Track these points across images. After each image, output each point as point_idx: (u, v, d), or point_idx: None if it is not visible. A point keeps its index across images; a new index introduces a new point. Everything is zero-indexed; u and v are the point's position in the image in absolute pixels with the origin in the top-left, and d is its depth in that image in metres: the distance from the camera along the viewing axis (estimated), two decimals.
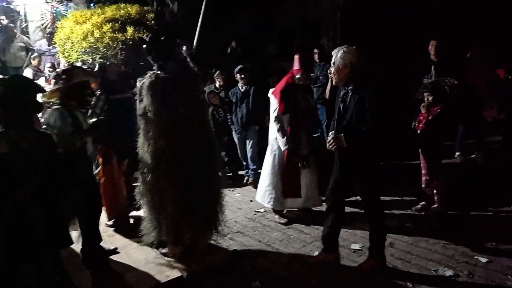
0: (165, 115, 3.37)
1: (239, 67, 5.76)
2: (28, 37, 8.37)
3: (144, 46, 3.66)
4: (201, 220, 3.54)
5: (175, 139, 3.40)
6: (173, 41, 3.62)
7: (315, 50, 6.42)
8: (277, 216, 4.54)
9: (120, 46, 6.74)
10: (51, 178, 2.77)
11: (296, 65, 4.47)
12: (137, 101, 3.50)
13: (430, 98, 4.34)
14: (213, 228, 3.68)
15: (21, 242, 2.60)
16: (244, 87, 5.74)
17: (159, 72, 3.45)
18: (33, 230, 2.66)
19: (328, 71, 4.96)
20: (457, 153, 6.16)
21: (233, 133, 5.91)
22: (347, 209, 3.78)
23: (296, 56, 4.51)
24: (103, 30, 6.75)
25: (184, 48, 4.12)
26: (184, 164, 3.43)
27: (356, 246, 3.79)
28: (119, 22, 6.94)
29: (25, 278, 2.65)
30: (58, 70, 7.21)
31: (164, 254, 3.64)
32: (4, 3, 7.84)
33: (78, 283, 3.19)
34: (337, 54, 3.30)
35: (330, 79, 5.08)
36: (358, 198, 3.56)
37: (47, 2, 8.04)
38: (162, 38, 3.55)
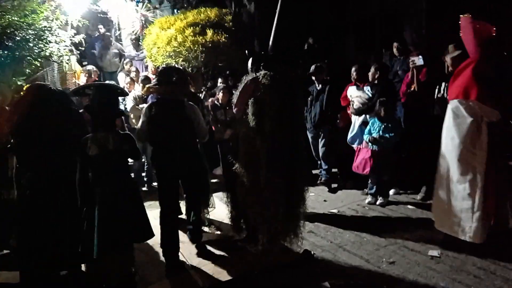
0: (283, 110, 3.53)
1: (313, 67, 5.72)
2: (121, 44, 9.18)
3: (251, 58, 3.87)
4: (285, 220, 3.63)
5: (285, 135, 3.54)
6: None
7: (395, 44, 6.13)
8: None
9: (201, 48, 7.11)
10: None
11: None
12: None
13: None
14: (293, 229, 3.73)
15: (111, 235, 2.91)
16: (319, 86, 5.69)
17: (271, 72, 3.60)
18: (120, 223, 2.97)
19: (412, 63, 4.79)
20: None
21: (307, 131, 5.89)
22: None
23: None
24: (185, 34, 7.16)
25: None
26: (289, 159, 3.57)
27: (434, 253, 3.58)
28: (200, 26, 7.31)
29: (113, 267, 2.97)
30: (144, 73, 7.83)
31: (242, 248, 3.80)
32: (101, 14, 8.67)
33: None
34: None
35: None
36: None
37: (137, 11, 8.71)
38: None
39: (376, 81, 5.14)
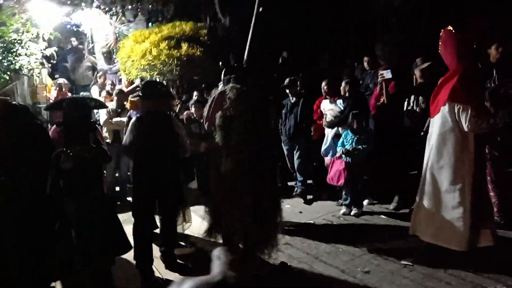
0: (249, 123, 3.52)
1: (287, 80, 5.81)
2: (95, 57, 9.07)
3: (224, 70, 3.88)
4: (261, 230, 3.62)
5: (253, 148, 3.52)
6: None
7: (365, 58, 6.32)
8: None
9: (176, 62, 7.12)
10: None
11: None
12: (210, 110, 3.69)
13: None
14: (269, 240, 3.72)
15: (88, 249, 2.85)
16: (293, 99, 5.78)
17: (238, 85, 3.61)
18: (97, 236, 2.92)
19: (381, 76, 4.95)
20: None
21: (282, 144, 5.95)
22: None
23: None
24: (160, 48, 7.16)
25: None
26: (258, 171, 3.55)
27: (407, 261, 3.65)
28: (175, 40, 7.33)
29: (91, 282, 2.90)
30: (118, 86, 7.75)
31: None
32: (74, 27, 8.57)
33: None
34: None
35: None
36: None
37: (111, 24, 8.65)
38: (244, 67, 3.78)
39: (347, 94, 5.27)
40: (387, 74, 4.84)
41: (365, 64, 6.44)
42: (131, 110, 5.69)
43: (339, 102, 5.30)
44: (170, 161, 3.68)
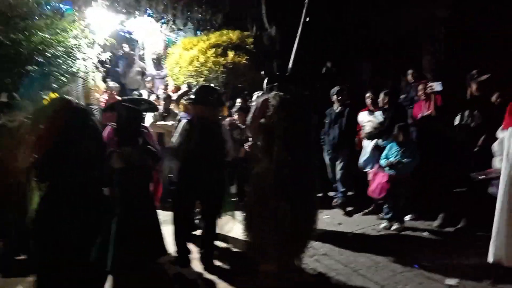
0: (291, 131, 3.53)
1: (336, 88, 5.77)
2: (144, 63, 9.46)
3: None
4: (296, 241, 3.63)
5: (293, 156, 3.52)
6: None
7: (409, 71, 6.21)
8: None
9: (222, 69, 7.31)
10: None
11: None
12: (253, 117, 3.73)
13: None
14: (304, 250, 3.73)
15: (127, 252, 2.95)
16: (338, 108, 5.73)
17: (282, 93, 3.64)
18: (140, 240, 3.01)
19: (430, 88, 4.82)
20: None
21: (324, 153, 5.91)
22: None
23: None
24: (207, 55, 7.39)
25: None
26: (297, 179, 3.56)
27: (451, 281, 3.51)
28: (221, 47, 7.54)
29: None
30: (167, 92, 7.99)
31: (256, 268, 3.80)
32: (127, 34, 9.00)
33: None
34: None
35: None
36: None
37: (161, 32, 9.01)
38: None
39: (386, 106, 5.22)
40: (437, 86, 4.71)
41: (409, 76, 6.31)
42: (182, 113, 5.85)
43: (379, 113, 5.25)
44: (216, 166, 3.75)
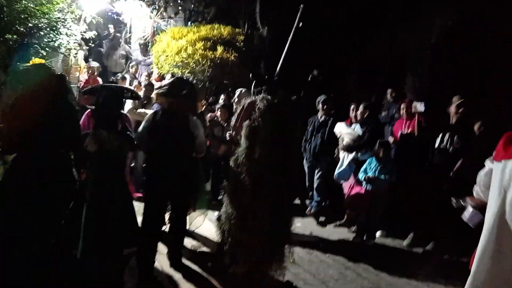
0: (275, 136, 3.45)
1: (322, 97, 5.74)
2: (130, 47, 9.21)
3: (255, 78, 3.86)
4: (270, 246, 3.55)
5: (275, 161, 3.44)
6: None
7: (389, 90, 6.29)
8: None
9: (209, 63, 7.16)
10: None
11: None
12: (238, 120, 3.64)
13: None
14: (277, 257, 3.64)
15: (97, 238, 2.81)
16: (322, 117, 5.71)
17: (269, 97, 3.55)
18: (108, 227, 2.88)
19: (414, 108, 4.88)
20: None
21: (304, 161, 5.88)
22: None
23: None
24: (196, 47, 7.23)
25: None
26: (277, 185, 3.48)
27: None
28: (211, 41, 7.39)
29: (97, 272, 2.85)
30: (150, 80, 7.79)
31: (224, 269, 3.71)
32: (114, 15, 8.73)
33: None
34: None
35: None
36: None
37: (151, 18, 8.79)
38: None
39: (365, 119, 5.26)
40: (421, 107, 4.75)
41: (389, 96, 6.38)
42: (156, 104, 5.70)
43: (357, 126, 5.27)
44: (183, 161, 3.61)
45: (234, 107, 5.05)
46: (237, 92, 5.16)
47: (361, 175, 4.96)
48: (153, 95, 5.77)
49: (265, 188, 3.43)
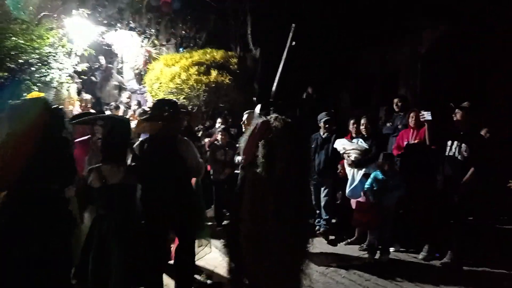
0: (294, 154, 3.36)
1: (324, 115, 5.66)
2: (122, 77, 9.16)
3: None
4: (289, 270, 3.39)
5: (295, 180, 3.35)
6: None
7: (395, 100, 6.22)
8: None
9: (204, 88, 7.12)
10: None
11: None
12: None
13: None
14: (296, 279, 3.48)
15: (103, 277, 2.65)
16: (325, 134, 5.62)
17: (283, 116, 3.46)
18: (108, 265, 2.72)
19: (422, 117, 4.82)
20: None
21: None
22: None
23: None
24: (189, 72, 7.19)
25: None
26: (289, 207, 3.33)
27: None
28: (205, 66, 7.37)
29: None
30: (144, 107, 7.71)
31: None
32: (105, 46, 8.71)
33: None
34: None
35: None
36: None
37: (142, 46, 8.77)
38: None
39: (367, 133, 5.22)
40: (428, 115, 4.68)
41: (395, 106, 6.32)
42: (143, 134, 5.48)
43: (359, 140, 5.20)
44: (176, 186, 3.40)
45: (244, 129, 4.93)
46: (245, 114, 5.05)
47: (367, 189, 4.82)
48: (135, 124, 5.64)
49: (288, 207, 3.32)
